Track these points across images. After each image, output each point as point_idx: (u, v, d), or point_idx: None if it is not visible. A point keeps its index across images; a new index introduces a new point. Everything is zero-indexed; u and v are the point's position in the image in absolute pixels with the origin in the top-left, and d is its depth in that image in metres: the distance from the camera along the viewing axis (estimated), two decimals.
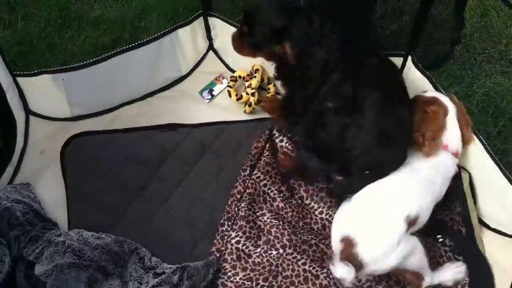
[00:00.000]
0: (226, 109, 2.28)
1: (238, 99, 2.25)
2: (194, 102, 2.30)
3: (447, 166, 1.80)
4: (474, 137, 1.87)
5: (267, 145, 2.09)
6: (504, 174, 1.82)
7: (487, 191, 1.92)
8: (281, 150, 2.09)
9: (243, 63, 2.34)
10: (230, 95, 2.28)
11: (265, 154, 2.05)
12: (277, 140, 2.11)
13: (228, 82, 2.33)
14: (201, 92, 2.32)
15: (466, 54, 2.41)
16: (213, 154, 2.09)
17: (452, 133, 1.82)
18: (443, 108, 1.83)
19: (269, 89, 2.31)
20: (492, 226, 1.93)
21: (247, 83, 2.29)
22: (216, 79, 2.34)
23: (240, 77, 2.33)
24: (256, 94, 2.24)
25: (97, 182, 1.98)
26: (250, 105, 2.22)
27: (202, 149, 2.10)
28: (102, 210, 1.92)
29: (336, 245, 1.71)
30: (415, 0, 2.09)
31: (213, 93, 2.31)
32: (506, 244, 1.87)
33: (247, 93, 2.25)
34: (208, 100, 2.30)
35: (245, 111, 2.24)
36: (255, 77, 2.27)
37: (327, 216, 1.94)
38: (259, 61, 2.28)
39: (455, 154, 1.81)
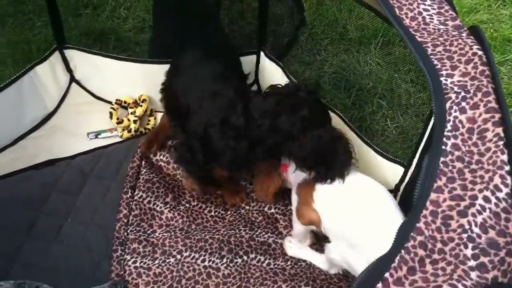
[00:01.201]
0: (102, 139, 2.28)
1: (118, 123, 2.27)
2: (68, 137, 2.27)
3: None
4: None
5: (143, 163, 2.10)
6: (361, 138, 2.03)
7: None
8: (157, 163, 2.12)
9: (108, 91, 2.39)
10: (111, 117, 2.29)
11: (142, 172, 2.07)
12: (151, 155, 2.14)
13: (113, 104, 2.34)
14: (88, 134, 2.29)
15: (312, 41, 2.59)
16: (95, 179, 2.07)
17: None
18: None
19: (149, 120, 2.34)
20: None
21: (130, 110, 2.31)
22: (110, 130, 2.31)
23: (125, 102, 2.35)
24: (138, 122, 2.27)
25: None
26: (130, 131, 2.25)
27: (83, 177, 2.07)
28: None
29: None
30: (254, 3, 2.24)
31: (99, 136, 2.29)
32: None
33: (128, 119, 2.27)
34: (90, 139, 2.28)
35: (121, 136, 2.26)
36: (141, 106, 2.30)
37: (216, 213, 2.01)
38: (144, 91, 2.34)
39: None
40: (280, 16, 2.28)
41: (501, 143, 1.06)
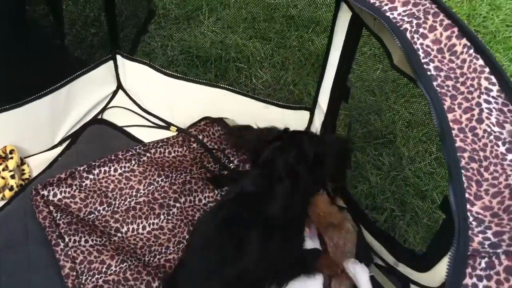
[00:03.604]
0: None
1: None
2: None
3: None
4: None
5: (51, 207, 1.80)
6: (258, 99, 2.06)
7: None
8: (64, 200, 1.84)
9: None
10: None
11: (58, 217, 1.76)
12: (51, 197, 1.84)
13: None
14: None
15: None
16: (7, 251, 1.71)
17: None
18: None
19: (23, 170, 2.00)
20: None
21: (0, 167, 1.93)
22: None
23: None
24: (16, 176, 1.93)
25: None
26: (11, 189, 1.90)
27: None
28: None
29: None
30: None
31: None
32: None
33: (3, 177, 1.90)
34: None
35: (2, 198, 1.90)
36: (11, 158, 1.93)
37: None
38: (6, 142, 1.98)
39: None
40: (129, 14, 2.10)
41: (471, 51, 1.14)
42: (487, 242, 0.89)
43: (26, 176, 1.99)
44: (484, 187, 0.98)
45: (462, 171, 1.00)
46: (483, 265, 0.87)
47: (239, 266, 1.45)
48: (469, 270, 0.87)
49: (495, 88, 1.10)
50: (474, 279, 0.86)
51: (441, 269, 1.41)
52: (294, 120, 1.98)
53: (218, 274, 1.44)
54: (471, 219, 0.93)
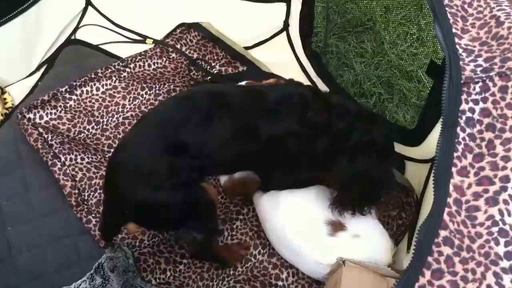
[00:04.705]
0: None
1: None
2: None
3: None
4: None
5: (40, 129, 1.78)
6: None
7: None
8: (51, 122, 1.82)
9: None
10: None
11: (49, 138, 1.75)
12: (37, 119, 1.82)
13: None
14: None
15: None
16: (3, 177, 1.73)
17: None
18: None
19: (5, 99, 1.96)
20: None
21: None
22: None
23: None
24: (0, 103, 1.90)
25: None
26: None
27: None
28: None
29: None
30: None
31: None
32: None
33: None
34: None
35: None
36: None
37: None
38: None
39: None
40: None
41: None
42: (479, 69, 0.89)
43: (9, 104, 1.96)
44: (470, 21, 0.98)
45: (446, 8, 0.99)
46: (477, 89, 0.88)
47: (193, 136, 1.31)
48: (464, 96, 0.87)
49: None
50: (471, 104, 0.87)
51: (433, 141, 1.44)
52: (271, 14, 1.95)
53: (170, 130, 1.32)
54: (460, 51, 0.93)
